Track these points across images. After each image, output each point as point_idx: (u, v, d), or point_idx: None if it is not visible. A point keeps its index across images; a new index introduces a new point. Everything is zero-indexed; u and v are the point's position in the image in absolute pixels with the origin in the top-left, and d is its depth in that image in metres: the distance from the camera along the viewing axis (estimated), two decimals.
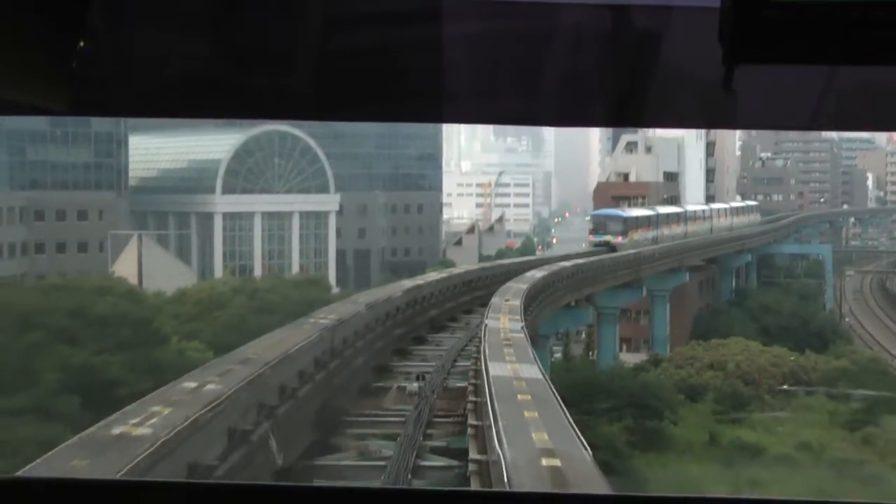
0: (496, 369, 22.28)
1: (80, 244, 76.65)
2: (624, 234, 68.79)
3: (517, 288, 40.43)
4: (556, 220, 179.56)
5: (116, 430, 16.04)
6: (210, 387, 19.18)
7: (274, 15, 2.41)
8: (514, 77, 2.49)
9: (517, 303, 35.29)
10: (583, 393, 43.01)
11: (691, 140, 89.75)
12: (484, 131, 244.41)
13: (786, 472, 40.69)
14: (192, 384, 19.66)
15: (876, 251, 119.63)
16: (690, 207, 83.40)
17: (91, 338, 35.37)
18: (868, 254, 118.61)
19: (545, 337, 47.56)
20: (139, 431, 15.86)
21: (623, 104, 2.53)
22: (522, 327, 29.74)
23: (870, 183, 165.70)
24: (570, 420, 18.16)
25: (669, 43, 2.35)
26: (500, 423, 16.87)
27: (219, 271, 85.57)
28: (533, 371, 23.39)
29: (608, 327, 61.04)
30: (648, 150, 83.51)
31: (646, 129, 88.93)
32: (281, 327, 28.28)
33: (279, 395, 21.71)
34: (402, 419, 23.86)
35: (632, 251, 65.78)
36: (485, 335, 27.59)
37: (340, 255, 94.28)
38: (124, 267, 69.68)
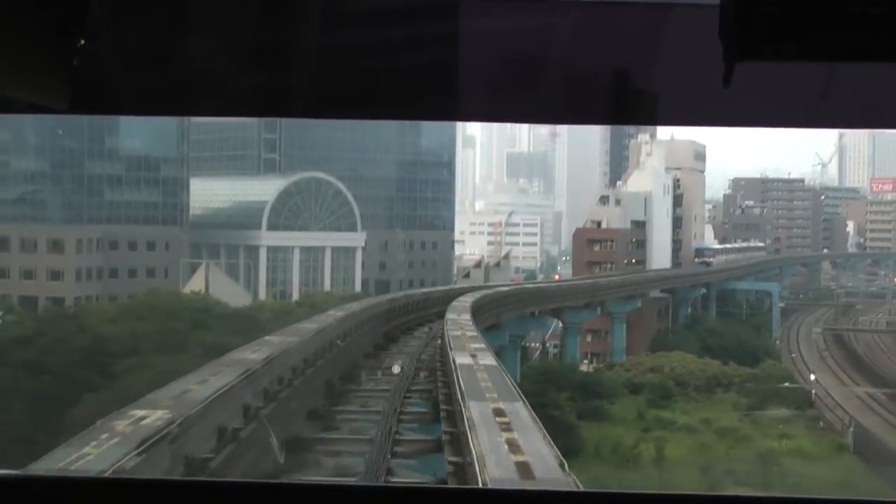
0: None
1: (149, 270, 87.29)
2: (713, 256, 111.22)
3: (483, 291, 64.51)
4: (564, 258, 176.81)
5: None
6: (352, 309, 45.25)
7: (276, 12, 2.39)
8: (521, 75, 2.46)
9: (478, 295, 58.86)
10: (546, 378, 60.20)
11: (659, 193, 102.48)
12: (497, 173, 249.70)
13: (684, 434, 57.36)
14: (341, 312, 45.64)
15: (829, 290, 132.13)
16: (739, 244, 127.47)
17: (217, 325, 52.27)
18: (824, 293, 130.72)
19: (515, 336, 65.48)
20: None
21: (630, 102, 2.50)
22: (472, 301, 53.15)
23: (850, 230, 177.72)
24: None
25: (673, 40, 2.33)
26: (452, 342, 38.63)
27: (263, 295, 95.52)
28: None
29: (572, 338, 78.50)
30: (618, 202, 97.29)
31: (617, 186, 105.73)
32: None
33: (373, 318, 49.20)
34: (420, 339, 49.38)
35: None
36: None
37: (364, 284, 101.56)
38: (195, 287, 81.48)
